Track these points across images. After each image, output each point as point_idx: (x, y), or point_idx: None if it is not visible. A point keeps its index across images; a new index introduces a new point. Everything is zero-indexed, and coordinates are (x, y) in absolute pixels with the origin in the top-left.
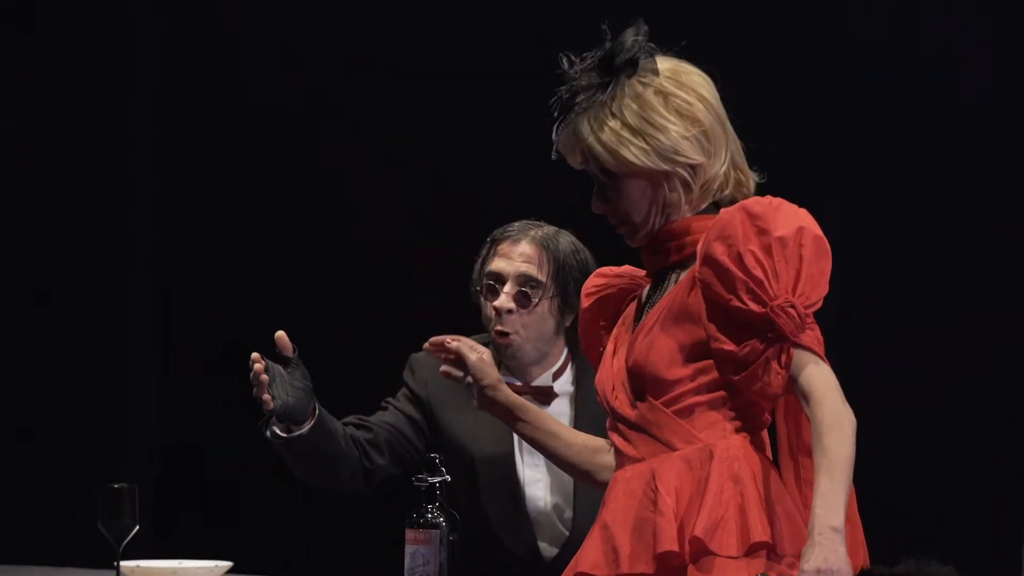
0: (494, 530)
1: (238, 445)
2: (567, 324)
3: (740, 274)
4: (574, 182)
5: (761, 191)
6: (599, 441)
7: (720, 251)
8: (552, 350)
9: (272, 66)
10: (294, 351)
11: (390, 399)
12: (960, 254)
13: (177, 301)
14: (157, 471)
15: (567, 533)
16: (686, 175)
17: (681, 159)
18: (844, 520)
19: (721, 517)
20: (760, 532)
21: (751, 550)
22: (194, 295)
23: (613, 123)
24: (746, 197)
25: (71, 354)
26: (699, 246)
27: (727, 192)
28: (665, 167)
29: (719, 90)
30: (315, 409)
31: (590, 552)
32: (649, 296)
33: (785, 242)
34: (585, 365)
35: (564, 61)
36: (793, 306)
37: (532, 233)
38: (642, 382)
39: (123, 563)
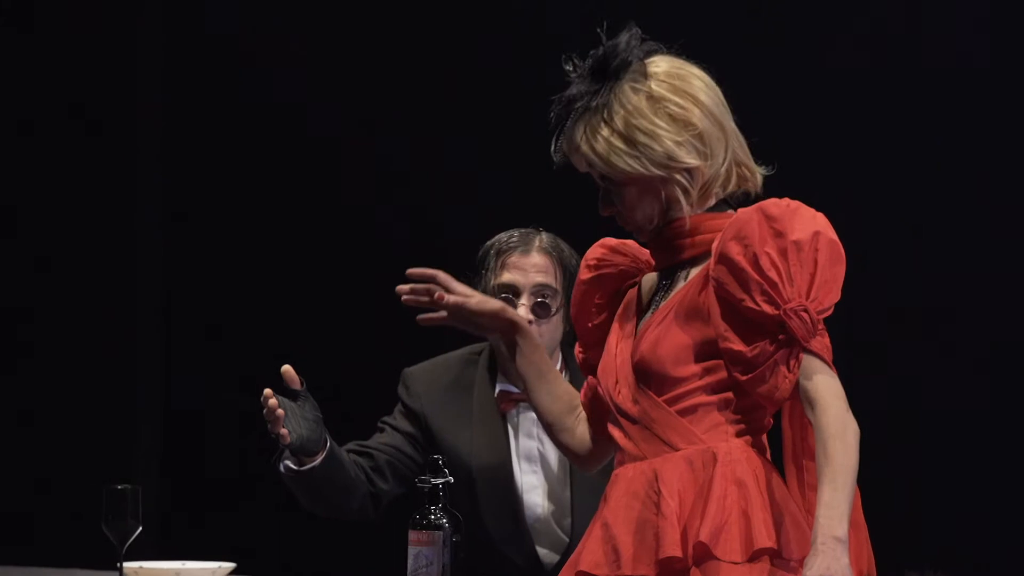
0: (494, 541)
1: (241, 446)
2: (566, 329)
3: (755, 275)
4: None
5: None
6: (576, 401)
7: (736, 251)
8: (553, 356)
9: (272, 63)
10: (302, 384)
11: (386, 418)
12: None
13: (179, 300)
14: (160, 472)
15: (567, 539)
16: (683, 179)
17: (675, 164)
18: (847, 529)
19: (725, 522)
20: (764, 538)
21: (755, 556)
22: (195, 294)
23: (605, 131)
24: (754, 190)
25: (74, 355)
26: (714, 244)
27: (731, 188)
28: (660, 173)
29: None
30: (327, 440)
31: (591, 551)
32: (657, 291)
33: (801, 246)
34: (576, 370)
35: (566, 65)
36: (806, 310)
37: (537, 242)
38: (647, 378)
39: (126, 564)
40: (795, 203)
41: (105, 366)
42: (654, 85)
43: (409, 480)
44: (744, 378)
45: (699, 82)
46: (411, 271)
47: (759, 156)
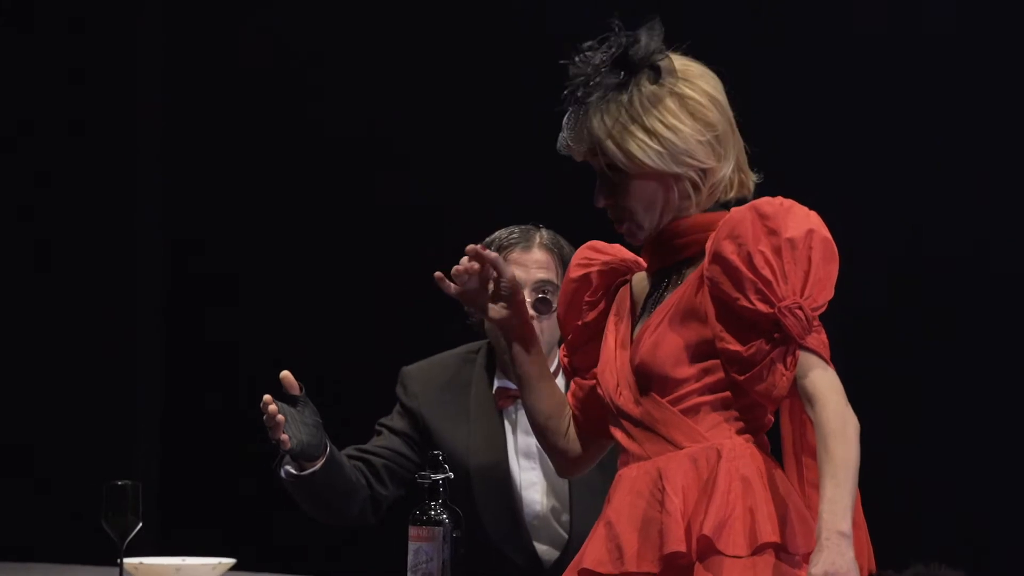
0: (492, 540)
1: (241, 442)
2: None
3: (749, 274)
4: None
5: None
6: (564, 408)
7: (730, 250)
8: (551, 355)
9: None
10: (301, 389)
11: (383, 420)
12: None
13: (179, 299)
14: (160, 468)
15: (566, 536)
16: (696, 177)
17: (693, 162)
18: (851, 524)
19: (728, 516)
20: (769, 532)
21: (759, 550)
22: (196, 294)
23: (628, 123)
24: (747, 197)
25: (75, 351)
26: (708, 244)
27: (731, 194)
28: (677, 170)
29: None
30: (327, 445)
31: (594, 549)
32: (651, 293)
33: (795, 244)
34: None
35: (574, 54)
36: (801, 308)
37: (538, 239)
38: (648, 380)
39: (126, 560)
40: (788, 201)
41: (105, 366)
42: (677, 82)
43: (408, 482)
44: (741, 378)
45: (717, 84)
46: (471, 248)
47: (755, 159)
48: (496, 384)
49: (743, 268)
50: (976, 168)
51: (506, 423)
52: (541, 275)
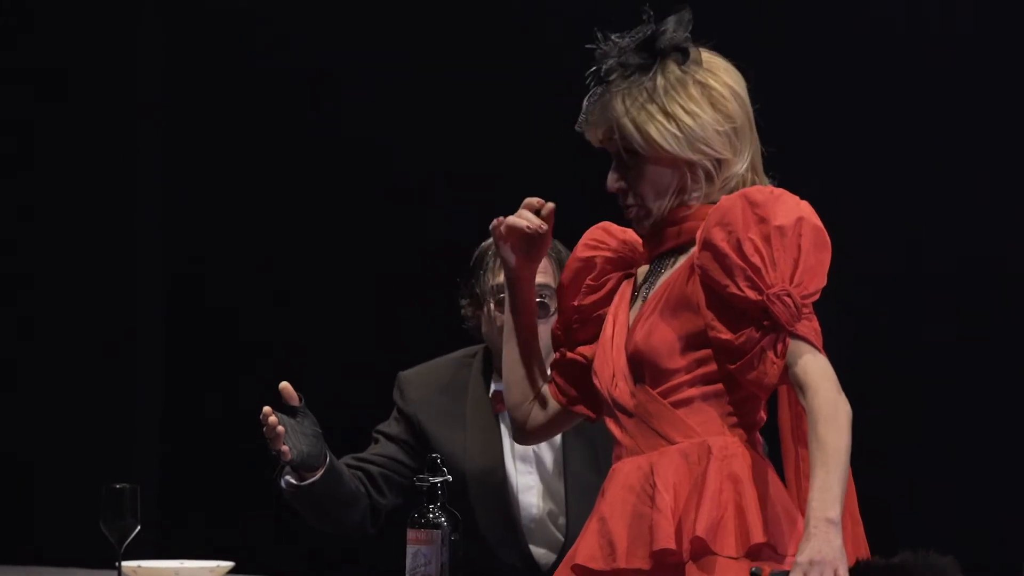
0: (488, 544)
1: (240, 444)
2: None
3: (738, 261)
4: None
5: None
6: (539, 388)
7: (719, 237)
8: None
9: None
10: (300, 400)
11: (380, 427)
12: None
13: (180, 300)
14: (159, 471)
15: (562, 539)
16: (710, 167)
17: (708, 151)
18: (840, 512)
19: (721, 517)
20: (758, 534)
21: (751, 551)
22: (196, 295)
23: (649, 106)
24: None
25: (75, 353)
26: (699, 232)
27: None
28: (693, 156)
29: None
30: (327, 455)
31: (587, 544)
32: (646, 280)
33: (784, 231)
34: None
35: (599, 36)
36: (790, 295)
37: None
38: (641, 369)
39: (125, 563)
40: (779, 190)
41: (105, 366)
42: (702, 72)
43: (405, 488)
44: (732, 367)
45: (740, 80)
46: (548, 208)
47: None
48: (493, 388)
49: (732, 255)
50: (977, 168)
51: (502, 427)
52: (538, 279)
